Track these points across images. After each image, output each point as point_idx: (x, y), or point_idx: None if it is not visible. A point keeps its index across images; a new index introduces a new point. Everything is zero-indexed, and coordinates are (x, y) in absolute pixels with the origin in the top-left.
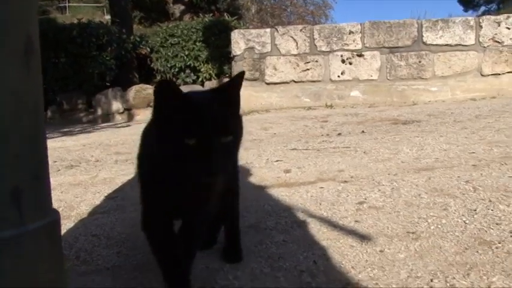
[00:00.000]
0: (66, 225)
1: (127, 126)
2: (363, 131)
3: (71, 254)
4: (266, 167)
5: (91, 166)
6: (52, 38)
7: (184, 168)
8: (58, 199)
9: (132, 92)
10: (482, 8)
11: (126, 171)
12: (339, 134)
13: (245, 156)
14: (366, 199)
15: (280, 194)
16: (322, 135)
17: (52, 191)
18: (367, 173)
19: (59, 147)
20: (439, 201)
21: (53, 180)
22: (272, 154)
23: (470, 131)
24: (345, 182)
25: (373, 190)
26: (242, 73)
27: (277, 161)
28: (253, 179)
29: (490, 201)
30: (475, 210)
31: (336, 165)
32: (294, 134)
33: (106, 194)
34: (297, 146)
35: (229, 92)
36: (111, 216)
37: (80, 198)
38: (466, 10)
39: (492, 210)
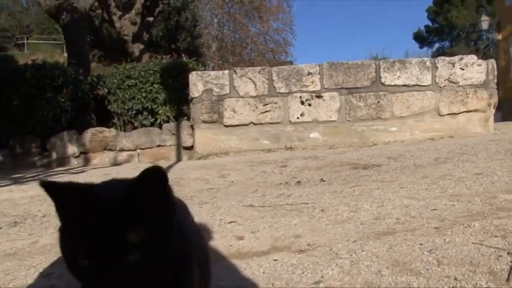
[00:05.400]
0: None
1: (82, 172)
2: (322, 179)
3: None
4: (219, 231)
5: (36, 223)
6: (4, 79)
7: None
8: None
9: (88, 135)
10: (437, 45)
11: None
12: (298, 182)
13: (199, 213)
14: (322, 277)
15: (231, 269)
16: (281, 183)
17: None
18: (324, 240)
19: (4, 199)
20: (401, 280)
21: None
22: (226, 212)
23: (430, 181)
24: (301, 251)
25: (331, 265)
26: (159, 169)
27: (231, 222)
28: None
29: (455, 279)
30: None
31: (293, 228)
32: (252, 182)
33: (42, 269)
34: (253, 200)
35: (142, 195)
36: None
37: (11, 276)
38: (421, 47)
39: None
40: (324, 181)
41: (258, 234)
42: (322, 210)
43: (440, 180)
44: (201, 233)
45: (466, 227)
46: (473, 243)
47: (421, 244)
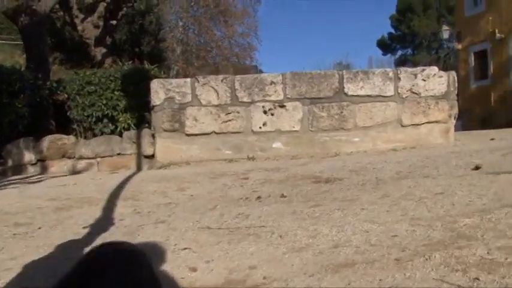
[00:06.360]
0: None
1: (38, 181)
2: (283, 194)
3: None
4: (172, 260)
5: None
6: None
7: None
8: None
9: (46, 142)
10: (399, 52)
11: (17, 252)
12: (258, 197)
13: (153, 235)
14: None
15: None
16: (241, 198)
17: None
18: (281, 272)
19: None
20: None
21: None
22: (182, 236)
23: (391, 201)
24: (256, 287)
25: None
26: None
27: (185, 248)
28: None
29: None
30: None
31: (249, 257)
32: (211, 197)
33: None
34: (210, 221)
35: None
36: None
37: None
38: (384, 54)
39: None
40: (285, 197)
41: (212, 264)
42: (280, 236)
43: (402, 200)
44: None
45: (426, 259)
46: (433, 279)
47: (380, 280)
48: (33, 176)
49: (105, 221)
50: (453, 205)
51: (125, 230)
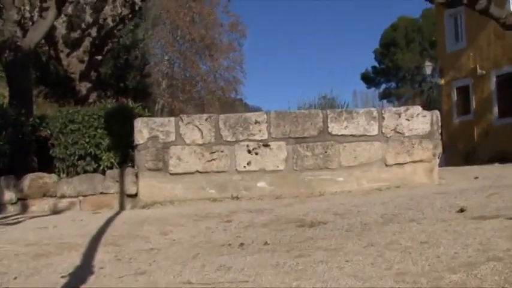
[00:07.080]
0: None
1: (16, 222)
2: (266, 242)
3: None
4: None
5: None
6: None
7: None
8: None
9: (27, 181)
10: (383, 86)
11: None
12: (241, 243)
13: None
14: None
15: None
16: (224, 244)
17: None
18: None
19: None
20: None
21: None
22: None
23: (376, 251)
24: None
25: None
26: None
27: None
28: None
29: None
30: None
31: None
32: (194, 242)
33: None
34: (191, 273)
35: None
36: None
37: None
38: (368, 87)
39: None
40: (268, 244)
41: None
42: None
43: (386, 250)
44: None
45: None
46: None
47: None
48: (12, 216)
49: (84, 270)
50: (438, 258)
51: (104, 281)
